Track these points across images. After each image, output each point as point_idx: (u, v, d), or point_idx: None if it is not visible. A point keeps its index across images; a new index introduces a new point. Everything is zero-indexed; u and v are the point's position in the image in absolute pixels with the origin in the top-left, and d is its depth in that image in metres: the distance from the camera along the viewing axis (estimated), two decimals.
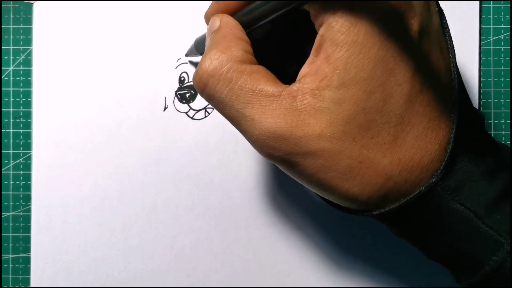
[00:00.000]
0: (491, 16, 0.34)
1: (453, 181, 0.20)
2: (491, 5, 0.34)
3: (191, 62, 0.33)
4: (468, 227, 0.20)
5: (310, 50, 0.20)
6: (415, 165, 0.20)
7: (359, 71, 0.18)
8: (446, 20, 0.21)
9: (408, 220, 0.21)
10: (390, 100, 0.19)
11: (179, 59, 0.33)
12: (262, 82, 0.20)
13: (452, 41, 0.21)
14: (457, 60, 0.21)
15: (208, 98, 0.21)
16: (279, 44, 0.25)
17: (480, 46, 0.33)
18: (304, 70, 0.20)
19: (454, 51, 0.21)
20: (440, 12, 0.21)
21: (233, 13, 0.23)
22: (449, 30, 0.21)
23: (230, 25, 0.21)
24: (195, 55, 0.31)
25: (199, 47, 0.29)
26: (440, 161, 0.20)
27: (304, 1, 0.19)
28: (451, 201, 0.20)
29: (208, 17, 0.24)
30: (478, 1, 0.33)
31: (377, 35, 0.18)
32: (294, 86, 0.19)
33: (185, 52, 0.33)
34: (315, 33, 0.20)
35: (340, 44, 0.18)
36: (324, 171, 0.19)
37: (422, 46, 0.19)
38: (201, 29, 0.33)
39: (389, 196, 0.20)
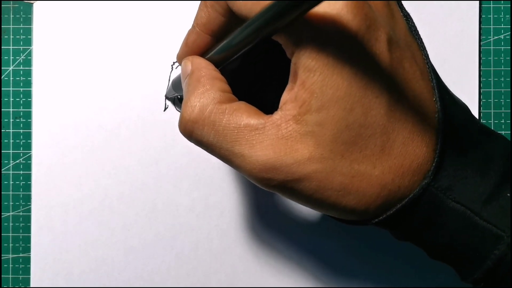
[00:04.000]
0: (491, 16, 0.34)
1: (445, 181, 0.20)
2: (491, 5, 0.34)
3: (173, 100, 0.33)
4: (466, 224, 0.20)
5: (286, 76, 0.20)
6: (405, 170, 0.20)
7: (335, 91, 0.19)
8: (413, 22, 0.21)
9: (406, 223, 0.21)
10: (371, 113, 0.19)
11: None
12: (245, 117, 0.20)
13: (422, 40, 0.21)
14: (457, 60, 0.21)
15: (197, 143, 0.22)
16: (255, 73, 0.26)
17: (480, 46, 0.33)
18: (284, 97, 0.20)
19: (426, 50, 0.21)
20: (406, 15, 0.21)
21: (203, 53, 0.23)
22: (417, 30, 0.21)
23: (202, 67, 0.22)
24: (173, 95, 0.32)
25: (176, 88, 0.29)
26: (430, 162, 0.20)
27: (269, 34, 0.19)
28: (446, 200, 0.20)
29: (180, 59, 0.24)
30: (477, 1, 0.33)
31: (346, 54, 0.18)
32: (277, 115, 0.20)
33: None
34: (288, 60, 0.20)
35: (313, 69, 0.18)
36: (320, 192, 0.20)
37: (392, 54, 0.19)
38: None
39: (386, 203, 0.20)
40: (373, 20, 0.19)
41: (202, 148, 0.22)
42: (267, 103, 0.22)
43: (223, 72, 0.22)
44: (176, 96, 0.32)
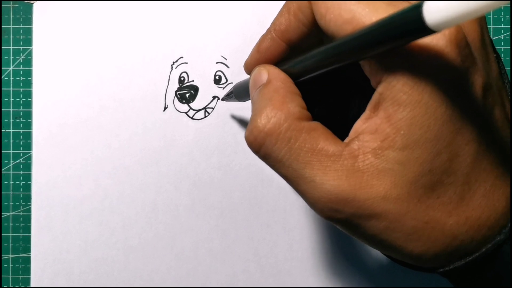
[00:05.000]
0: (491, 16, 0.34)
1: None
2: None
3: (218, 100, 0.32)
4: None
5: (353, 100, 0.19)
6: (482, 223, 0.19)
7: (424, 132, 0.17)
8: (503, 64, 0.20)
9: (474, 277, 0.20)
10: (457, 160, 0.18)
11: (179, 58, 0.33)
12: (322, 141, 0.19)
13: (510, 84, 0.20)
14: None
15: (264, 157, 0.20)
16: (319, 89, 0.24)
17: None
18: (360, 126, 0.19)
19: (511, 95, 0.20)
20: (497, 57, 0.20)
21: (276, 62, 0.22)
22: (506, 73, 0.20)
23: (281, 78, 0.20)
24: (232, 100, 0.30)
25: (239, 95, 0.28)
26: (507, 217, 0.19)
27: (360, 59, 0.18)
28: None
29: (249, 67, 0.23)
30: None
31: (442, 94, 0.17)
32: (354, 145, 0.18)
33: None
34: (360, 84, 0.19)
35: (403, 104, 0.17)
36: (388, 233, 0.19)
37: (486, 100, 0.18)
38: (201, 29, 0.33)
39: (455, 254, 0.19)
40: (473, 63, 0.17)
41: (267, 163, 0.20)
42: (327, 121, 0.21)
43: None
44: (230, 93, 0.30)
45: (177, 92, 0.33)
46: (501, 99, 0.19)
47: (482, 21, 0.19)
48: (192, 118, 0.33)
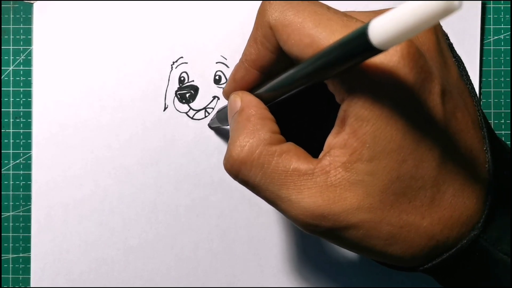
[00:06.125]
0: (491, 16, 0.34)
1: (494, 232, 0.20)
2: (491, 5, 0.34)
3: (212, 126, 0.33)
4: None
5: (326, 113, 0.20)
6: (455, 222, 0.20)
7: (388, 143, 0.18)
8: (463, 66, 0.21)
9: (454, 272, 0.21)
10: (423, 165, 0.19)
11: (179, 58, 0.33)
12: (294, 161, 0.20)
13: (473, 85, 0.21)
14: None
15: (242, 183, 0.21)
16: (292, 107, 0.25)
17: (482, 46, 0.33)
18: (330, 141, 0.20)
19: (476, 96, 0.21)
20: (457, 59, 0.21)
21: (251, 89, 0.23)
22: (468, 75, 0.21)
23: (253, 105, 0.22)
24: (216, 126, 0.32)
25: (221, 121, 0.29)
26: (480, 213, 0.20)
27: (322, 79, 0.19)
28: (494, 252, 0.20)
29: (227, 94, 0.24)
30: (480, 1, 0.33)
31: (401, 107, 0.18)
32: (325, 161, 0.19)
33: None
34: (327, 99, 0.20)
35: (366, 119, 0.18)
36: (367, 240, 0.20)
37: (446, 106, 0.19)
38: (201, 29, 0.33)
39: (433, 253, 0.20)
40: (428, 73, 0.18)
41: (247, 187, 0.21)
42: (306, 137, 0.22)
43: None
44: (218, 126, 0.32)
45: (177, 92, 0.33)
46: (463, 101, 0.20)
47: (437, 29, 0.20)
48: (192, 118, 0.33)
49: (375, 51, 0.15)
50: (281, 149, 0.20)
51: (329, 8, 0.19)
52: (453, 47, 0.21)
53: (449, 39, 0.21)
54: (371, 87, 0.18)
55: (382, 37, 0.14)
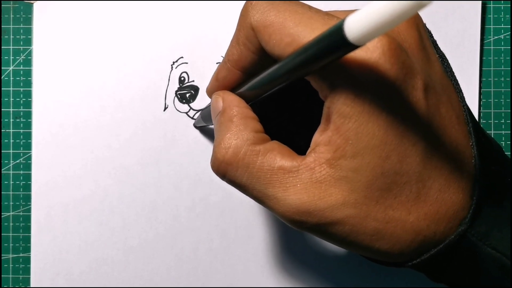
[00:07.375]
0: (491, 16, 0.34)
1: (482, 227, 0.20)
2: (491, 5, 0.34)
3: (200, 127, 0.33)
4: (503, 271, 0.20)
5: (313, 112, 0.20)
6: (441, 216, 0.20)
7: (370, 139, 0.18)
8: (448, 62, 0.21)
9: (442, 267, 0.21)
10: (407, 160, 0.19)
11: (179, 58, 0.33)
12: (278, 159, 0.20)
13: (457, 81, 0.21)
14: (458, 60, 0.21)
15: (230, 183, 0.22)
16: (280, 104, 0.25)
17: (482, 46, 0.33)
18: (316, 138, 0.20)
19: (461, 92, 0.21)
20: (441, 56, 0.21)
21: (234, 88, 0.23)
22: (452, 71, 0.21)
23: (234, 105, 0.22)
24: (202, 125, 0.32)
25: (206, 121, 0.30)
26: (467, 208, 0.20)
27: (302, 76, 0.19)
28: (482, 246, 0.20)
29: (209, 93, 0.24)
30: (480, 1, 0.33)
31: (383, 102, 0.18)
32: (310, 157, 0.20)
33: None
34: (307, 95, 0.20)
35: (348, 116, 0.18)
36: (354, 235, 0.20)
37: (429, 101, 0.19)
38: (200, 29, 0.33)
39: (420, 248, 0.20)
40: (410, 68, 0.18)
41: (234, 187, 0.22)
42: (292, 135, 0.22)
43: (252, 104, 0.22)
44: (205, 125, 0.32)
45: (177, 92, 0.33)
46: (447, 97, 0.20)
47: (419, 25, 0.20)
48: (192, 118, 0.33)
49: (352, 46, 0.15)
50: (265, 148, 0.20)
51: (310, 7, 0.19)
52: (436, 44, 0.21)
53: (432, 36, 0.22)
54: (352, 83, 0.18)
55: (357, 32, 0.14)
